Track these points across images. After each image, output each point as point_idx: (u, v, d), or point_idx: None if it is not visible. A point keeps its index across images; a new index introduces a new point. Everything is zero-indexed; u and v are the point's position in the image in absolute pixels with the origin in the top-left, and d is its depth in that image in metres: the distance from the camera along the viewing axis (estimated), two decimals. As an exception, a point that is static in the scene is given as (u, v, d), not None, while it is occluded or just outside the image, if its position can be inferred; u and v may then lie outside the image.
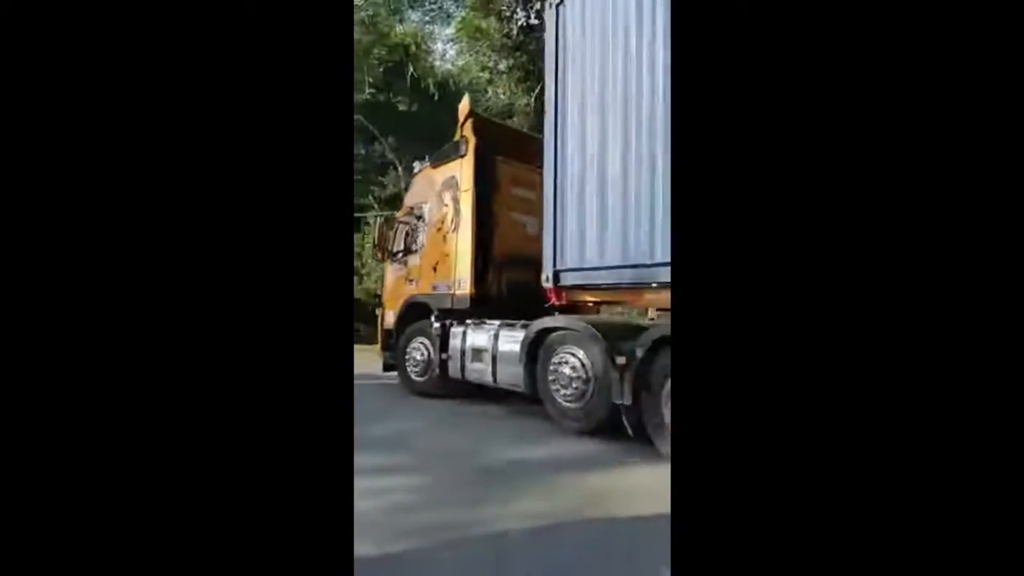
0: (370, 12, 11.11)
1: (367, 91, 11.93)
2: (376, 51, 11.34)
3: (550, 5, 3.77)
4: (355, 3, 9.43)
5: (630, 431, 3.02)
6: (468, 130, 4.64)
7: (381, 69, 12.57)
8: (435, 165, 5.05)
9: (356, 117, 10.24)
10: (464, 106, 4.77)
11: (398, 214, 5.58)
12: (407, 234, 5.24)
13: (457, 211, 4.59)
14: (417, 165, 5.47)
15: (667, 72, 2.74)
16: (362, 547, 1.54)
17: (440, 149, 5.08)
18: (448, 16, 13.34)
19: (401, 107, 13.10)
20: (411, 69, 12.29)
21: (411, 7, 13.08)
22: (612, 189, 3.21)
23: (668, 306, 2.96)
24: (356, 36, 9.72)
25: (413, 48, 12.53)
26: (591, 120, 3.40)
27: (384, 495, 2.25)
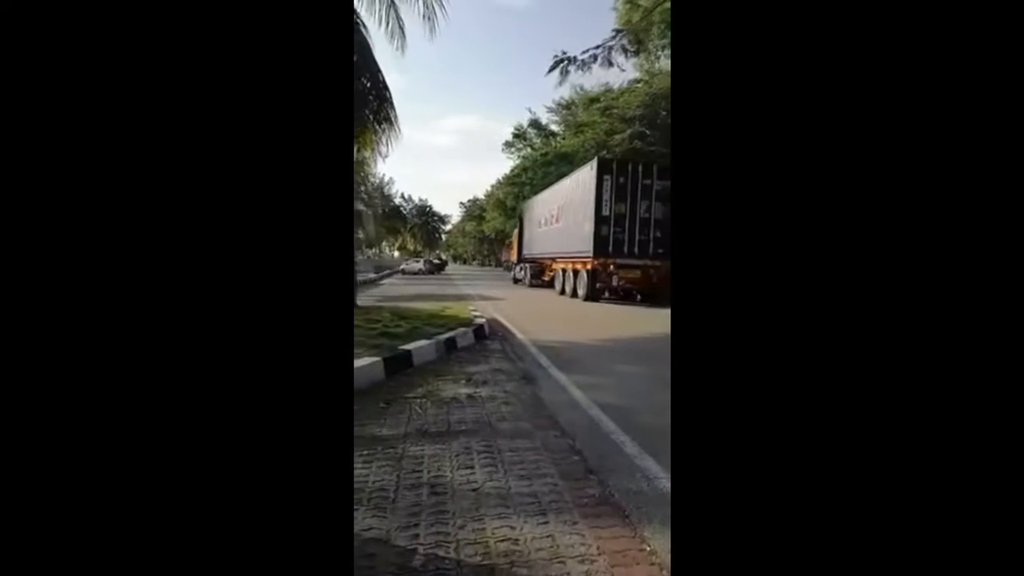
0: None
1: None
2: None
3: (520, 204, 24.24)
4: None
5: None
6: (518, 219, 20.98)
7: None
8: (514, 228, 22.49)
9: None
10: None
11: (510, 240, 26.99)
12: (511, 245, 24.45)
13: (515, 239, 21.54)
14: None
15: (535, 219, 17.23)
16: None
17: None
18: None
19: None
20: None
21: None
22: (534, 243, 17.17)
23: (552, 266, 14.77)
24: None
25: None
26: (533, 228, 17.49)
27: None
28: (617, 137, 16.13)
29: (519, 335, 6.12)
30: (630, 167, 11.01)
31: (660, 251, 10.79)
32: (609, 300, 11.32)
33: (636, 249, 10.91)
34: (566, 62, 9.11)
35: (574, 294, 11.92)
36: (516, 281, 18.78)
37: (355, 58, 6.53)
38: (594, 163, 11.13)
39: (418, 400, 3.23)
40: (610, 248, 10.75)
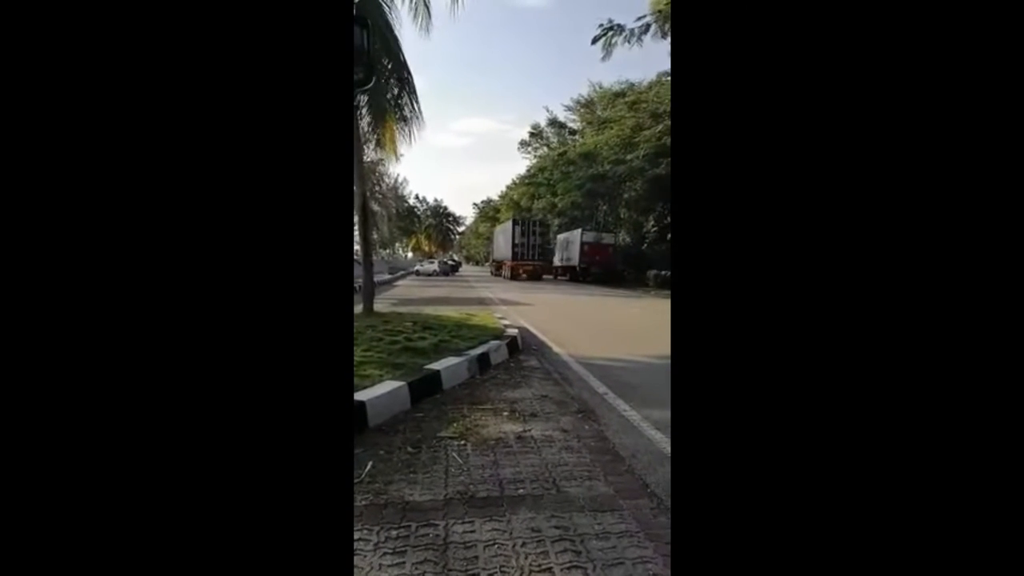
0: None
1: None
2: None
3: (495, 226, 43.30)
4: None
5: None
6: (492, 237, 40.46)
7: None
8: (490, 242, 42.91)
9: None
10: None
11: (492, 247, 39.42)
12: (490, 252, 39.93)
13: (492, 249, 37.45)
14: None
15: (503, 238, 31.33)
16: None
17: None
18: None
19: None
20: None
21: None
22: (495, 252, 34.51)
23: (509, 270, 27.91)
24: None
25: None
26: (495, 244, 35.56)
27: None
28: (645, 133, 15.31)
29: (555, 348, 5.44)
30: (528, 221, 25.99)
31: (541, 257, 25.29)
32: (519, 281, 23.56)
33: (529, 256, 25.09)
34: (612, 32, 8.22)
35: (506, 277, 24.94)
36: (491, 274, 32.94)
37: (376, 42, 5.96)
38: (511, 220, 26.46)
39: (455, 441, 2.57)
40: (519, 257, 24.86)
